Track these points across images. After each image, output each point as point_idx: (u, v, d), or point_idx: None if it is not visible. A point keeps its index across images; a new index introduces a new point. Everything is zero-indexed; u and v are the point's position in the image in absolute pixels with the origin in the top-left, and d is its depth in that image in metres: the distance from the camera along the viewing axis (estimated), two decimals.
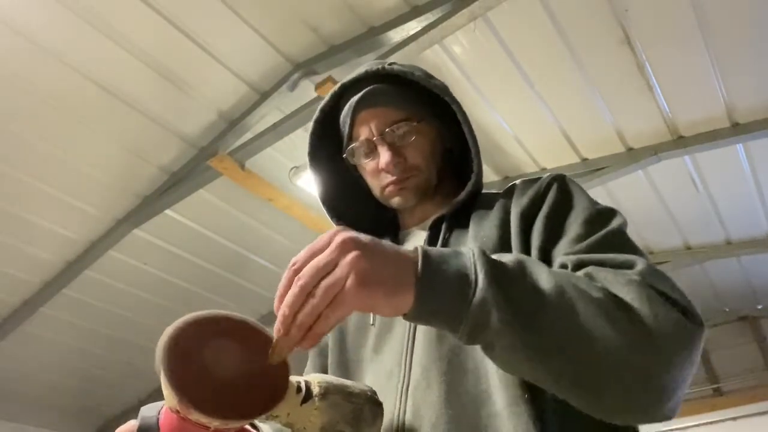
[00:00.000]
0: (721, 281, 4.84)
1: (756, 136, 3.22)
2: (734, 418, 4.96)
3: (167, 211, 3.57)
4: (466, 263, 0.59)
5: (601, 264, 0.67)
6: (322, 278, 0.54)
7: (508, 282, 0.59)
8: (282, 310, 0.55)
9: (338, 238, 0.56)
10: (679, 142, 3.36)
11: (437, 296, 0.57)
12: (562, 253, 0.74)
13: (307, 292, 0.54)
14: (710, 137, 3.27)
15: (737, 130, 3.23)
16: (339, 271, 0.54)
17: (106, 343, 4.45)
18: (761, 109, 3.13)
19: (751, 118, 3.18)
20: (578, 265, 0.69)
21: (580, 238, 0.75)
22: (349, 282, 0.53)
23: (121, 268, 3.91)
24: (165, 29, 2.73)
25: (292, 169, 3.55)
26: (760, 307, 5.20)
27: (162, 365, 0.56)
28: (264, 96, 3.15)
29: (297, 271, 0.56)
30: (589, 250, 0.71)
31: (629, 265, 0.66)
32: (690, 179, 3.68)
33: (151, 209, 3.51)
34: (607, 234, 0.73)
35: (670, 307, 0.61)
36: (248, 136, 3.21)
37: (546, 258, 0.76)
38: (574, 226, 0.77)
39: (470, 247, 0.62)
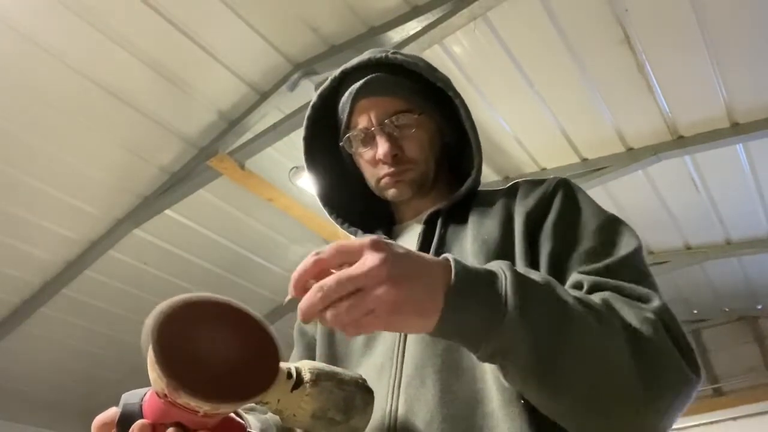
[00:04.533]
0: (721, 281, 4.84)
1: (756, 136, 3.22)
2: (734, 418, 4.96)
3: (167, 211, 3.57)
4: (498, 291, 0.58)
5: (618, 291, 0.68)
6: (345, 295, 0.53)
7: (537, 314, 0.58)
8: (300, 312, 0.54)
9: (372, 258, 0.53)
10: (679, 142, 3.36)
11: (462, 321, 0.57)
12: (576, 268, 0.73)
13: (326, 303, 0.53)
14: (710, 137, 3.27)
15: (737, 130, 3.23)
16: (369, 302, 0.52)
17: (106, 343, 4.45)
18: (761, 109, 3.13)
19: (751, 118, 3.18)
20: (595, 287, 0.69)
21: (594, 252, 0.75)
22: (380, 311, 0.53)
23: (121, 268, 3.91)
24: (165, 29, 2.73)
25: (292, 169, 3.55)
26: (760, 307, 5.19)
27: (151, 344, 0.53)
28: (264, 96, 3.15)
29: (321, 264, 0.54)
30: (607, 272, 0.71)
31: (646, 300, 0.67)
32: (690, 179, 3.68)
33: (151, 209, 3.51)
34: (626, 258, 0.73)
35: (678, 357, 0.63)
36: (248, 136, 3.21)
37: (557, 266, 0.75)
38: (585, 235, 0.77)
39: (503, 269, 0.60)
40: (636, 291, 0.68)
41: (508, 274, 0.59)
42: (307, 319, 0.54)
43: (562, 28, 2.80)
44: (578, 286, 0.71)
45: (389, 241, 0.57)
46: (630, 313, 0.64)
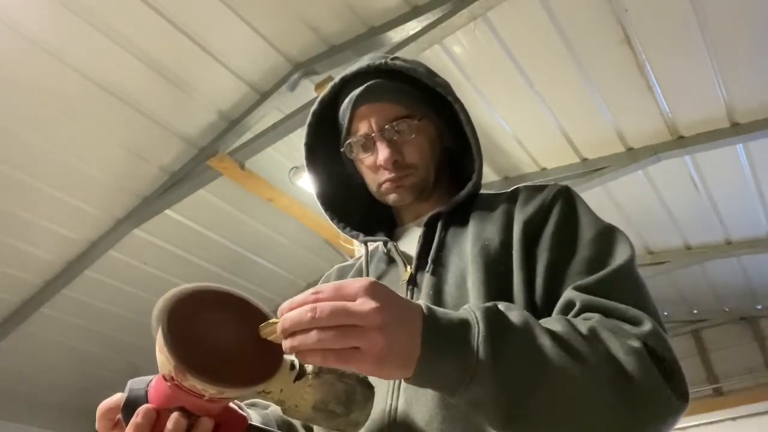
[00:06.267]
0: (721, 281, 4.84)
1: (756, 136, 3.22)
2: (734, 418, 4.95)
3: (167, 211, 3.57)
4: (470, 344, 0.58)
5: (609, 313, 0.68)
6: (338, 326, 0.53)
7: (509, 366, 0.58)
8: (284, 321, 0.55)
9: (369, 303, 0.55)
10: (679, 142, 3.36)
11: (436, 374, 0.58)
12: (570, 281, 0.74)
13: (316, 327, 0.53)
14: (710, 137, 3.27)
15: (737, 130, 3.23)
16: (359, 340, 0.53)
17: (106, 343, 4.45)
18: (761, 109, 3.13)
19: (751, 118, 3.18)
20: (586, 308, 0.69)
21: (588, 264, 0.75)
22: (369, 356, 0.54)
23: (121, 268, 3.91)
24: (165, 29, 2.73)
25: (292, 169, 3.55)
26: (760, 307, 5.19)
27: (161, 327, 0.55)
28: (264, 96, 3.15)
29: (317, 301, 0.55)
30: (599, 288, 0.71)
31: (636, 322, 0.67)
32: (690, 179, 3.68)
33: (151, 209, 3.51)
34: (619, 271, 0.73)
35: (664, 386, 0.63)
36: (248, 136, 3.21)
37: (553, 278, 0.76)
38: (581, 246, 0.78)
39: (476, 318, 0.60)
40: (627, 313, 0.68)
41: (481, 324, 0.59)
42: (285, 335, 0.55)
43: (562, 28, 2.80)
44: (570, 305, 0.71)
45: (384, 286, 0.57)
46: (616, 344, 0.63)
